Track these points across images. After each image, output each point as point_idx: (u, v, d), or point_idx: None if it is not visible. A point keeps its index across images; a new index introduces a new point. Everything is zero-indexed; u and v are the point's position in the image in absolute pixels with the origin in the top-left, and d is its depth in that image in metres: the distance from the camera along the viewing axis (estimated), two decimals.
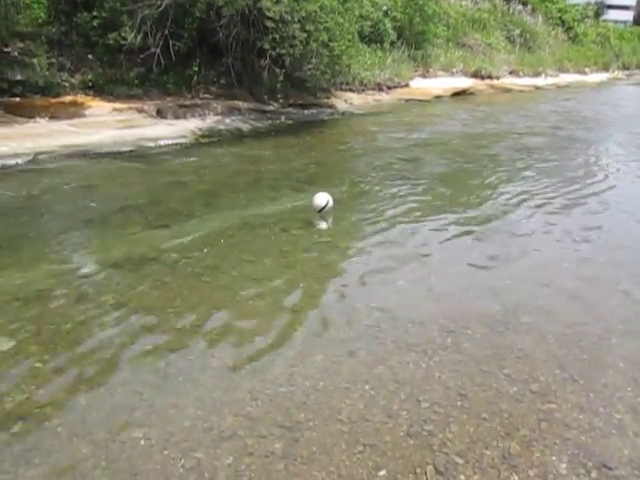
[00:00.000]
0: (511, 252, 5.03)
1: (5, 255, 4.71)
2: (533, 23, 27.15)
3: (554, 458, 2.57)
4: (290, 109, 12.44)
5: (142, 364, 3.25)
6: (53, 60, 10.26)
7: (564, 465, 2.54)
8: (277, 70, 11.34)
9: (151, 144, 9.15)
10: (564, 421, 2.82)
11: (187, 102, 11.05)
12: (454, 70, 19.55)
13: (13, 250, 4.82)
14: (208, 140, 9.89)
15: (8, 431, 2.69)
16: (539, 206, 6.37)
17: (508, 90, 20.09)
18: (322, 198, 5.82)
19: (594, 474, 2.50)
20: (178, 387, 3.05)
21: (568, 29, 29.95)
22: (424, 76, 18.15)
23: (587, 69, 28.16)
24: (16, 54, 9.84)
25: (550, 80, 23.68)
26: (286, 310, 3.93)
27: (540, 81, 22.96)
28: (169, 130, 9.83)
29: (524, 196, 6.75)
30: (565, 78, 24.95)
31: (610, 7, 45.43)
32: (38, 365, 3.20)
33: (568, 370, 3.25)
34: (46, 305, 3.90)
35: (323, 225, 5.70)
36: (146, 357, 3.32)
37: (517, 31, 25.26)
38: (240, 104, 11.56)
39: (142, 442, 2.64)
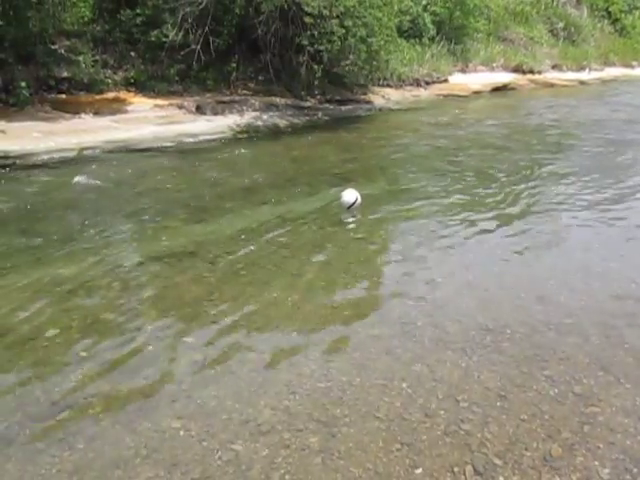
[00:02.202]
0: (554, 251, 4.91)
1: (52, 247, 4.86)
2: (577, 15, 26.34)
3: (597, 463, 2.50)
4: (327, 105, 12.43)
5: (181, 356, 3.31)
6: (97, 57, 10.52)
7: (607, 470, 2.47)
8: (315, 66, 11.34)
9: (190, 140, 9.30)
10: (608, 425, 2.74)
11: (226, 98, 11.16)
12: (494, 65, 19.14)
13: (59, 242, 4.97)
14: (246, 136, 9.98)
15: (55, 417, 2.78)
16: (589, 205, 6.20)
17: (550, 85, 19.56)
18: (351, 195, 5.69)
19: None
20: (216, 379, 3.09)
21: (615, 21, 28.89)
22: (463, 71, 17.83)
23: (635, 62, 27.14)
24: (63, 52, 10.13)
25: (595, 74, 22.93)
26: (323, 305, 3.93)
27: (584, 75, 22.25)
28: (208, 126, 9.97)
29: (563, 194, 6.58)
30: (611, 72, 24.11)
31: None
32: (83, 354, 3.30)
33: (613, 372, 3.16)
34: (90, 296, 4.02)
35: (359, 221, 5.67)
36: (185, 349, 3.38)
37: (561, 24, 24.54)
38: (278, 100, 11.61)
39: (181, 433, 2.69)
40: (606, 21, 28.38)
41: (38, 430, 2.69)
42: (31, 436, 2.65)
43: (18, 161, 7.55)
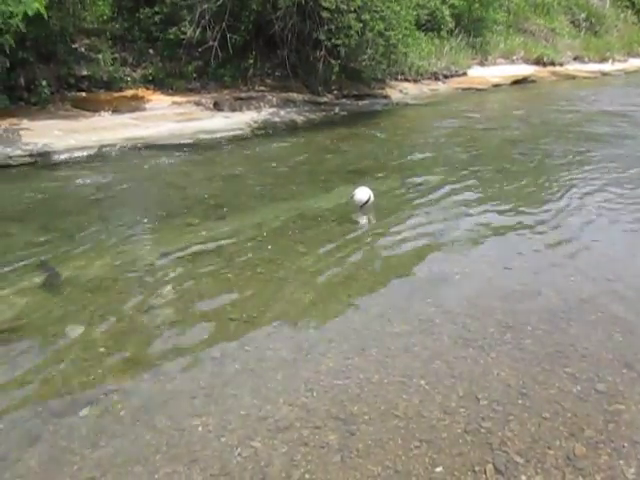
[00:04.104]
0: (575, 246, 4.83)
1: (72, 244, 4.91)
2: (600, 6, 25.83)
3: (622, 462, 2.45)
4: (344, 100, 12.38)
5: (200, 353, 3.32)
6: (116, 55, 10.61)
7: (633, 470, 2.42)
8: (332, 61, 11.29)
9: (208, 136, 9.32)
10: (633, 423, 2.68)
11: (243, 95, 11.17)
12: (514, 57, 18.88)
13: (79, 239, 5.02)
14: (263, 132, 9.98)
15: (77, 414, 2.81)
16: (601, 197, 6.07)
17: (572, 77, 19.23)
18: (364, 193, 5.53)
19: None
20: (235, 376, 3.10)
21: (639, 11, 28.29)
22: (482, 64, 17.62)
23: None
24: (83, 50, 10.23)
25: (618, 66, 22.48)
26: (341, 302, 3.92)
27: (607, 67, 21.82)
28: (225, 123, 9.98)
29: (577, 188, 6.46)
30: (634, 63, 23.62)
31: None
32: (103, 351, 3.33)
33: (637, 369, 3.09)
34: (111, 293, 4.05)
35: (377, 218, 5.63)
36: (204, 346, 3.39)
37: (583, 15, 24.10)
38: (295, 96, 11.59)
39: (200, 429, 2.69)
40: (630, 11, 27.79)
41: (61, 427, 2.72)
42: (54, 433, 2.68)
43: (40, 159, 7.65)
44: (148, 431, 2.69)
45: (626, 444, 2.56)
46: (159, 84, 10.80)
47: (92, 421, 2.76)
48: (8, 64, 7.79)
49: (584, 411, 2.78)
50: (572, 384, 2.99)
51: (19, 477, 2.43)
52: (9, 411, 2.83)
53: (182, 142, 8.90)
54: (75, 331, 3.52)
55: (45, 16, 7.33)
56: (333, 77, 11.83)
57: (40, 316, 3.70)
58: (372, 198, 5.56)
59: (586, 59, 21.70)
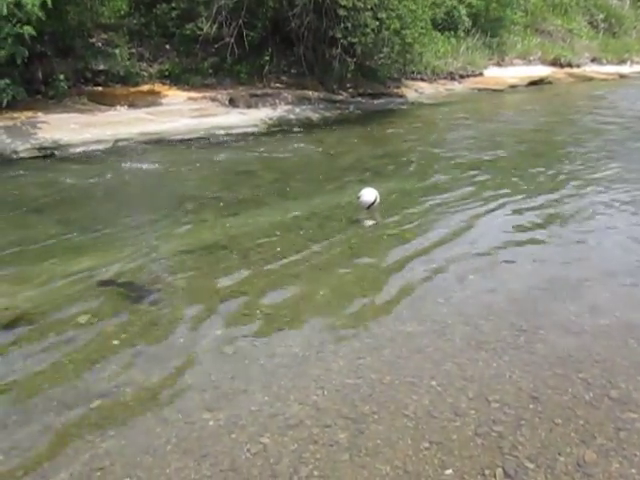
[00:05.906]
0: (590, 251, 4.78)
1: (86, 238, 4.96)
2: (619, 6, 25.54)
3: (634, 470, 2.42)
4: (359, 98, 12.37)
5: (211, 348, 3.33)
6: (133, 50, 10.69)
7: None
8: (348, 59, 11.28)
9: (223, 132, 9.36)
10: None
11: (259, 91, 11.21)
12: (531, 58, 18.74)
13: (94, 233, 5.06)
14: (278, 129, 10.00)
15: (88, 405, 2.83)
16: (609, 197, 6.00)
17: (589, 79, 19.05)
18: (370, 194, 5.40)
19: None
20: (245, 372, 3.10)
21: None
22: (499, 65, 17.52)
23: None
24: (100, 45, 10.32)
25: (636, 68, 22.22)
26: (353, 302, 3.91)
27: (625, 69, 21.58)
28: (241, 119, 10.02)
29: (576, 190, 6.38)
30: None
31: None
32: (115, 343, 3.36)
33: None
34: (125, 287, 4.08)
35: (391, 217, 5.61)
36: (215, 342, 3.40)
37: (601, 16, 23.85)
38: (310, 94, 11.60)
39: (211, 423, 2.70)
40: None
41: (72, 417, 2.75)
42: (65, 423, 2.71)
43: (56, 152, 7.73)
44: (158, 423, 2.70)
45: (638, 453, 2.52)
46: (175, 80, 10.86)
47: (103, 412, 2.78)
48: (27, 53, 7.84)
49: (596, 418, 2.75)
50: (585, 390, 2.95)
51: (30, 465, 2.46)
52: (21, 400, 2.87)
53: (197, 138, 8.95)
54: (89, 323, 3.55)
55: (49, 4, 7.38)
56: (349, 75, 11.82)
57: (55, 308, 3.74)
58: (378, 199, 5.44)
59: (604, 61, 21.47)
